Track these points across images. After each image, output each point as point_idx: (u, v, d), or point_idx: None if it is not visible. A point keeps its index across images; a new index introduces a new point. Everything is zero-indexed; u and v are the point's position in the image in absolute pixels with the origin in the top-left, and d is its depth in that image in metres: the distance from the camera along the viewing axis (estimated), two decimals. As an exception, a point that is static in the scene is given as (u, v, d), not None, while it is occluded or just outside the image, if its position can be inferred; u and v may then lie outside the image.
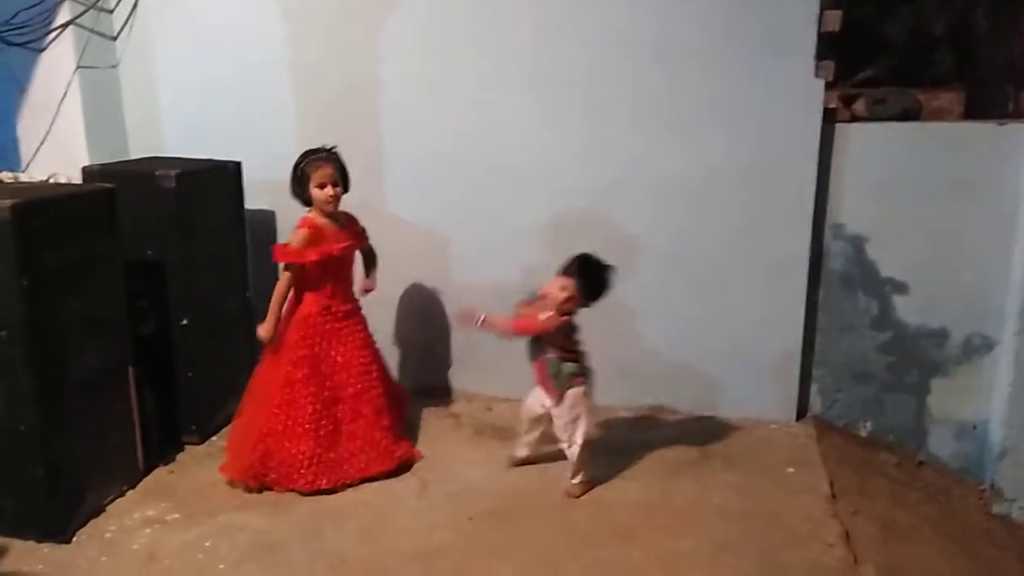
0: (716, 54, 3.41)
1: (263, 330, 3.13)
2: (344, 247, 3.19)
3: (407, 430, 3.52)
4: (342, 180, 3.16)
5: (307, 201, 3.16)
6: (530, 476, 3.24)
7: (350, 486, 3.13)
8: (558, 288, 2.95)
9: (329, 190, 3.11)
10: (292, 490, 3.10)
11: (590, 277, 2.97)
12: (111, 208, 2.99)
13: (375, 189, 3.84)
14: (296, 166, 3.16)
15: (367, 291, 3.39)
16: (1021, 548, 3.21)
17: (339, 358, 3.19)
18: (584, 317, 3.75)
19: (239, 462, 3.16)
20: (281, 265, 3.17)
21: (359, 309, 3.34)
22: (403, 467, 3.25)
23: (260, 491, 3.11)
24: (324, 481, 3.10)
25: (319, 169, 3.10)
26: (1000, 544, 3.21)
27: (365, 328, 3.34)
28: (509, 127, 3.67)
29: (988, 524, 3.32)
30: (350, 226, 3.26)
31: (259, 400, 3.21)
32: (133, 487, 3.14)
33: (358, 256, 3.38)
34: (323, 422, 3.13)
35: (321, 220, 3.16)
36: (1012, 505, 3.37)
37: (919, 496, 3.36)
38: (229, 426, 3.43)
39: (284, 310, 3.20)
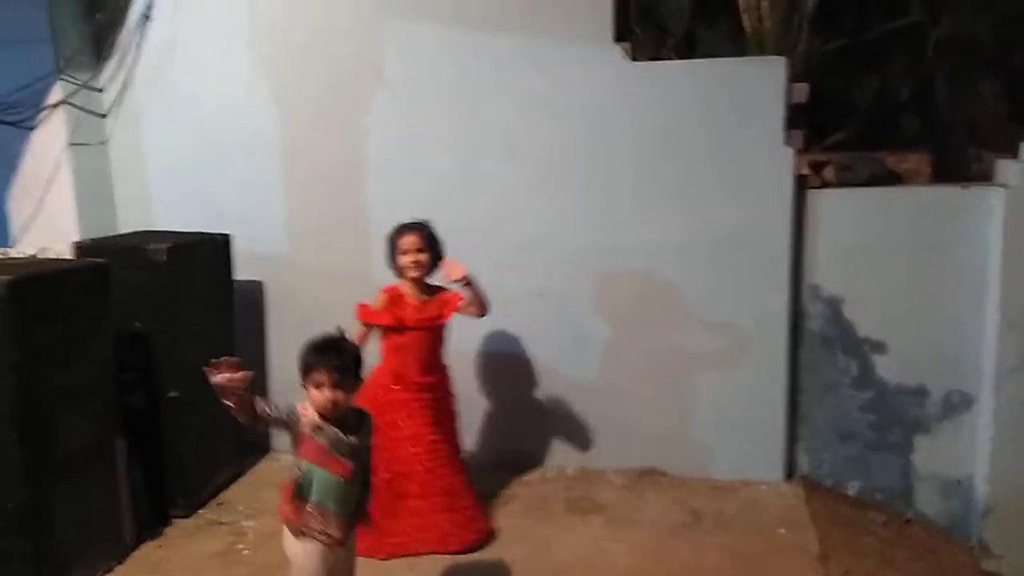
0: (690, 126, 3.55)
1: None
2: (416, 319, 3.16)
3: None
4: (430, 249, 3.16)
5: (399, 271, 3.21)
6: (516, 545, 3.22)
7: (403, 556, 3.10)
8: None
9: (411, 256, 3.14)
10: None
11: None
12: (104, 283, 3.03)
13: (362, 259, 3.89)
14: (389, 237, 3.21)
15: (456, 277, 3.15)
16: (1011, 605, 3.24)
17: (406, 431, 3.15)
18: (572, 382, 3.83)
19: None
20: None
21: (442, 385, 3.30)
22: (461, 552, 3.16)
23: None
24: (391, 551, 3.07)
25: (403, 237, 3.16)
26: (991, 601, 3.23)
27: (444, 405, 3.29)
28: (489, 198, 3.77)
29: (978, 581, 3.35)
30: (436, 302, 3.21)
31: None
32: (121, 562, 3.10)
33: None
34: (386, 495, 3.08)
35: (405, 290, 3.20)
36: (1000, 562, 3.40)
37: (908, 554, 3.38)
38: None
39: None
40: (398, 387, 3.17)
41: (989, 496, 3.41)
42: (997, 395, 3.34)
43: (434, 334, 3.23)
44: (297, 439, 2.29)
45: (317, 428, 2.27)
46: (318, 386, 2.25)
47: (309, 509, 2.29)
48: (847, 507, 3.62)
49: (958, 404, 3.51)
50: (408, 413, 3.16)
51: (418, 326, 3.17)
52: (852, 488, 3.70)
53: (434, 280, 3.27)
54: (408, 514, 3.13)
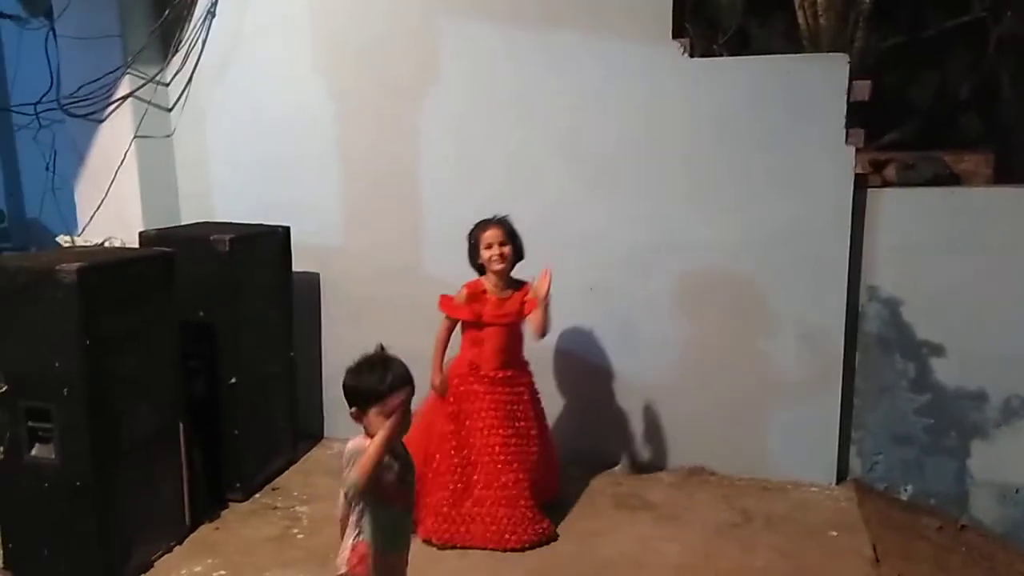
0: (749, 123, 3.52)
1: (433, 380, 3.25)
2: (495, 316, 3.22)
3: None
4: (512, 242, 3.23)
5: (480, 268, 3.27)
6: (563, 541, 3.24)
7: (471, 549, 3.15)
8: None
9: (496, 249, 3.20)
10: (426, 540, 3.16)
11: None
12: (169, 271, 3.12)
13: (414, 253, 3.97)
14: (469, 235, 3.27)
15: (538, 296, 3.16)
16: (1069, 615, 3.17)
17: (479, 423, 3.21)
18: (623, 378, 3.83)
19: None
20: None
21: (520, 381, 3.32)
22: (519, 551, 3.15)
23: None
24: (451, 536, 3.14)
25: (487, 231, 3.22)
26: (1048, 611, 3.17)
27: (523, 400, 3.31)
28: (543, 195, 3.77)
29: (1034, 590, 3.28)
30: (516, 298, 3.26)
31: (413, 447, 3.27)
32: (180, 543, 3.19)
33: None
34: (456, 479, 3.18)
35: (488, 285, 3.26)
36: (1059, 571, 3.33)
37: (963, 560, 3.32)
38: None
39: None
40: (474, 379, 3.25)
41: (1049, 504, 3.34)
42: (1060, 402, 3.27)
43: (512, 330, 3.28)
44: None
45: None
46: (389, 414, 2.06)
47: (380, 558, 2.16)
48: (900, 511, 3.57)
49: (1018, 410, 3.44)
50: (483, 405, 3.23)
51: (496, 322, 3.23)
52: (905, 493, 3.65)
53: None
54: (471, 504, 3.17)
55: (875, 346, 3.59)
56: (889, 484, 3.67)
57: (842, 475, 3.68)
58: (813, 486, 3.64)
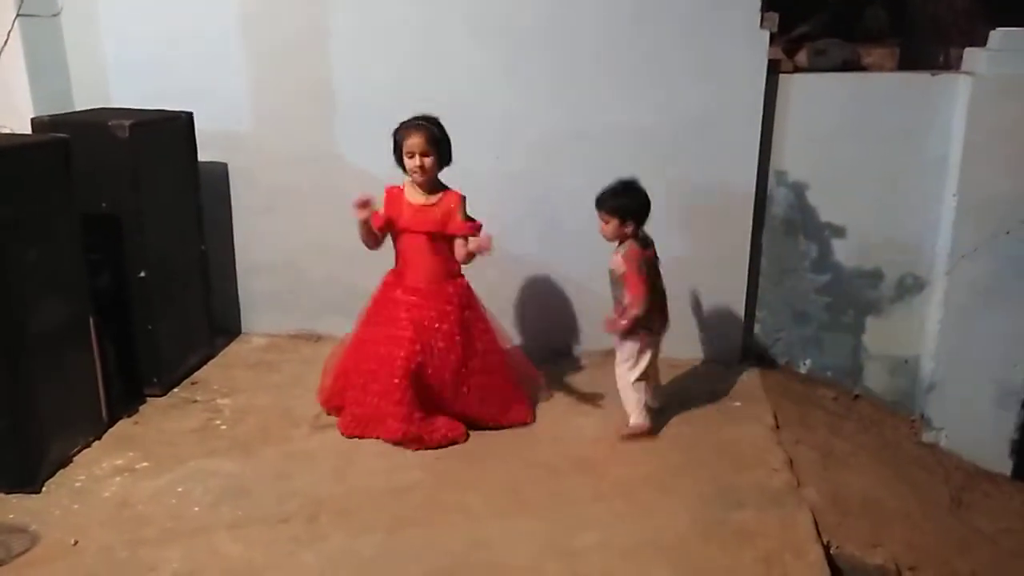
0: (664, 3, 3.49)
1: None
2: (411, 222, 3.03)
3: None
4: (435, 150, 2.98)
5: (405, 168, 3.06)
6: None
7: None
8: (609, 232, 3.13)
9: (416, 160, 2.96)
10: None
11: (624, 200, 3.10)
12: (66, 159, 2.95)
13: (326, 136, 3.86)
14: (394, 133, 3.03)
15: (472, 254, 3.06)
16: (947, 472, 3.48)
17: (391, 330, 3.07)
18: (539, 266, 3.89)
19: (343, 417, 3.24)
20: None
21: (446, 294, 3.11)
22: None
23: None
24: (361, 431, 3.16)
25: (409, 138, 2.97)
26: (929, 469, 3.47)
27: (445, 316, 3.09)
28: (458, 76, 3.69)
29: (918, 451, 3.58)
30: (440, 208, 3.05)
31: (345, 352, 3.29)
32: (99, 438, 3.15)
33: None
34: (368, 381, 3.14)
35: (409, 190, 3.06)
36: (940, 434, 3.63)
37: (855, 427, 3.59)
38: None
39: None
40: (397, 286, 3.13)
41: (933, 373, 3.61)
42: (949, 279, 3.48)
43: (433, 239, 3.07)
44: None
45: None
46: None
47: None
48: (799, 383, 3.81)
49: (911, 287, 3.66)
50: (398, 313, 3.09)
51: (412, 229, 3.05)
52: (804, 366, 3.88)
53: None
54: (432, 408, 3.12)
55: (780, 228, 3.73)
56: (789, 358, 3.89)
57: (746, 351, 3.89)
58: (719, 362, 3.83)
